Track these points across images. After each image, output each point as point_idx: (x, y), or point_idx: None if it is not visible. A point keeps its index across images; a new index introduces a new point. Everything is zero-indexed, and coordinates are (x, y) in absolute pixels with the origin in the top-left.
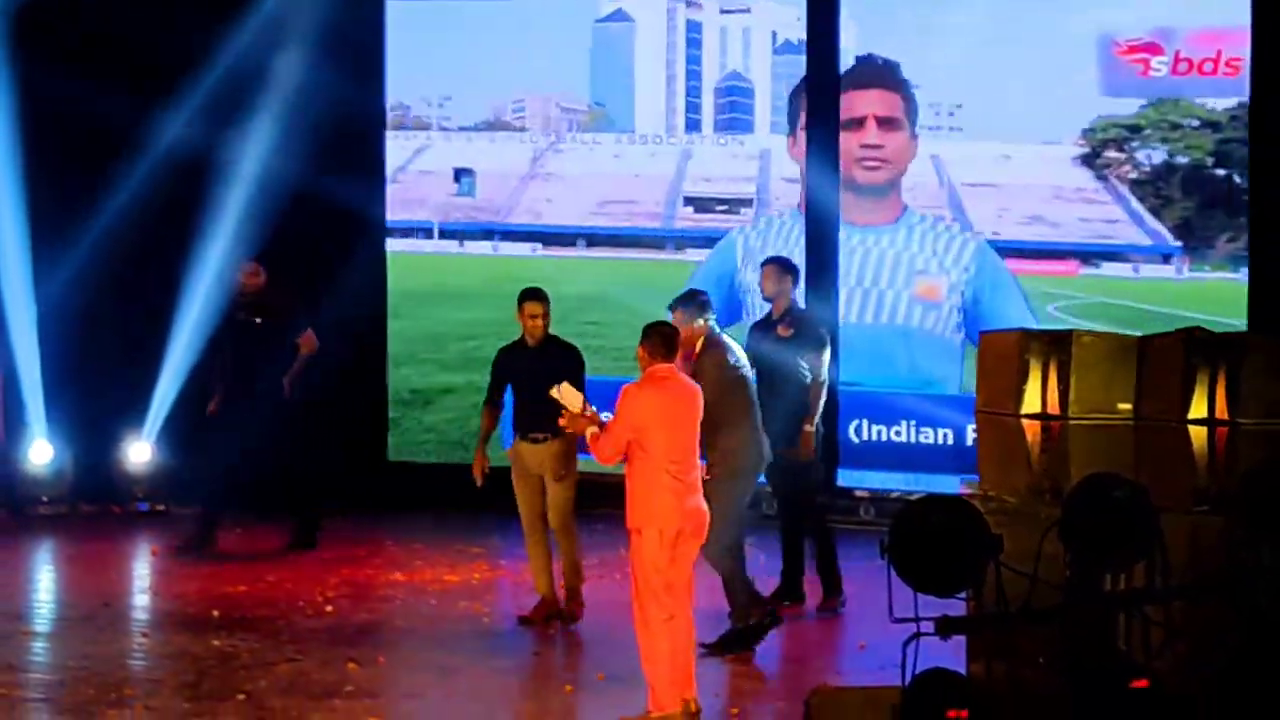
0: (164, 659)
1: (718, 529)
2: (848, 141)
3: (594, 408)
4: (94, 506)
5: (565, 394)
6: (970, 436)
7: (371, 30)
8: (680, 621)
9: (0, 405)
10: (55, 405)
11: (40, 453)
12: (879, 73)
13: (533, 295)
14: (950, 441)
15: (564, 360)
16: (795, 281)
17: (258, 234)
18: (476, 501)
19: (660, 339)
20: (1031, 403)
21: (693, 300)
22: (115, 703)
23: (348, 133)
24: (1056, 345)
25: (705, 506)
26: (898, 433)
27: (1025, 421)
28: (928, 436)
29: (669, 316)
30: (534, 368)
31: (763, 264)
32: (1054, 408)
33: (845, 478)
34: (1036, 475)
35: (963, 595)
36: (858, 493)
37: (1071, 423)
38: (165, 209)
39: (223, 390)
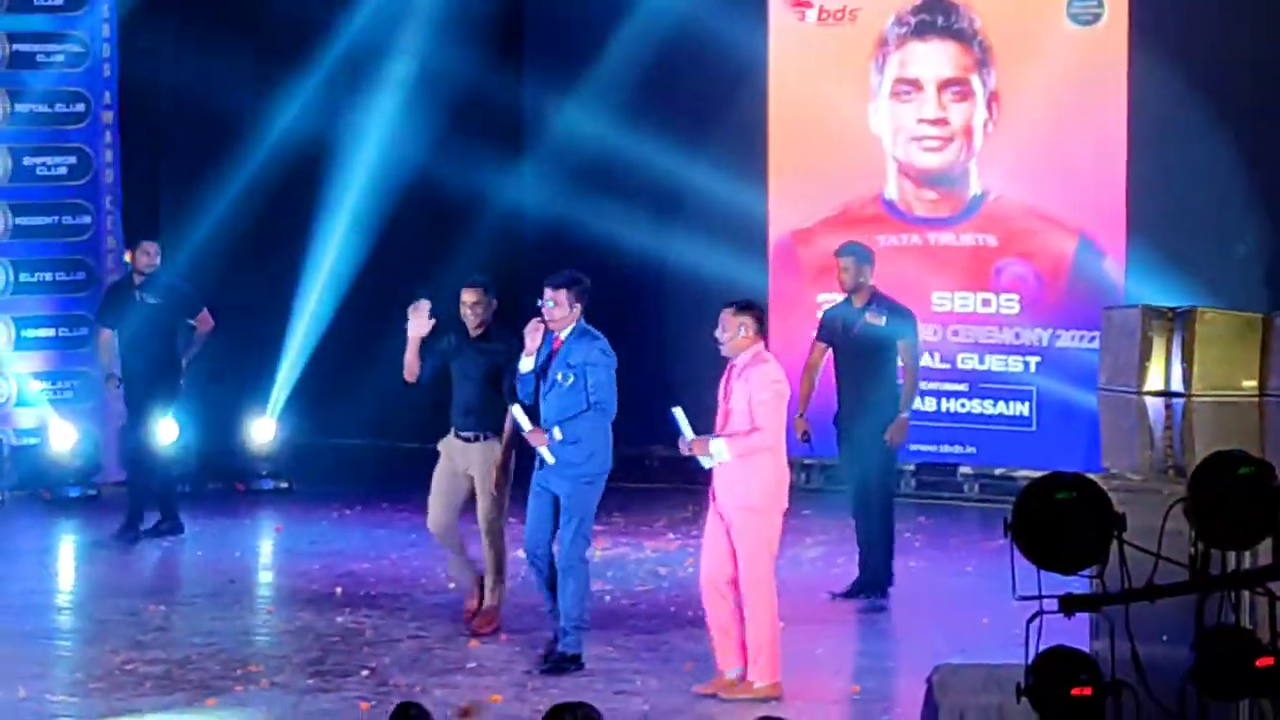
0: (288, 635)
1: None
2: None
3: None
4: (218, 484)
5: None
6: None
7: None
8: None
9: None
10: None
11: (166, 431)
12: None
13: (467, 284)
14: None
15: (497, 356)
16: (873, 268)
17: (379, 212)
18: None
19: (764, 315)
20: (1154, 379)
21: (579, 283)
22: (240, 679)
23: (479, 107)
24: (1179, 322)
25: None
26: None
27: (1148, 399)
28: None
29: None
30: (463, 358)
31: (838, 253)
32: (1177, 385)
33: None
34: (1159, 453)
35: (1086, 573)
36: (961, 469)
37: (1195, 400)
38: (288, 188)
39: (119, 371)
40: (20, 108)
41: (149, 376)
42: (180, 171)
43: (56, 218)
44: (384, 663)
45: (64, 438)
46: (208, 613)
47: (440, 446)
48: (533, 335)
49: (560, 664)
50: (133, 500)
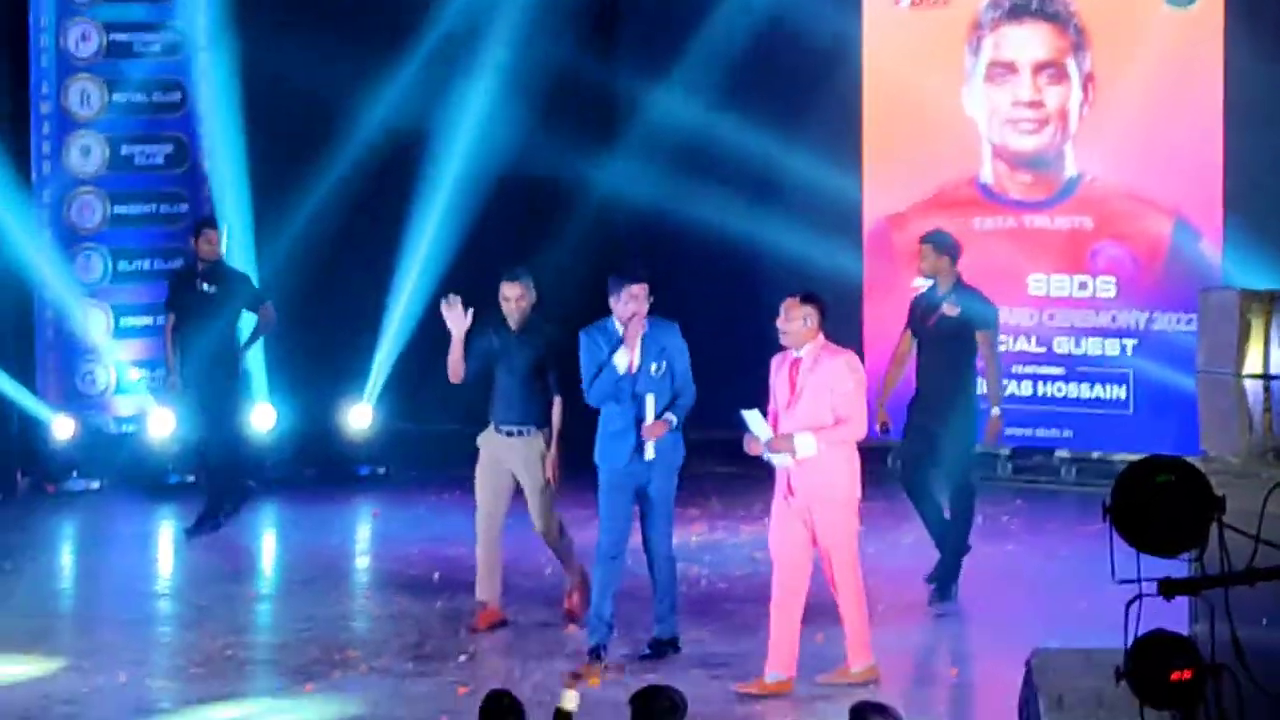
0: (386, 620)
1: None
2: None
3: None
4: (316, 470)
5: (758, 424)
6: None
7: None
8: None
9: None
10: (278, 371)
11: (263, 418)
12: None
13: (505, 277)
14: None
15: (542, 349)
16: (955, 257)
17: (474, 199)
18: (690, 464)
19: (826, 309)
20: (1253, 362)
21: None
22: (339, 663)
23: (572, 94)
24: (1278, 304)
25: None
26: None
27: (1246, 381)
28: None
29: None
30: (508, 353)
31: (921, 240)
32: (1276, 368)
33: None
34: (1259, 436)
35: (1185, 557)
36: (1058, 453)
37: None
38: (383, 175)
39: (179, 361)
40: (118, 97)
41: (207, 366)
42: (276, 159)
43: (154, 206)
44: (481, 647)
45: (162, 425)
46: (306, 598)
47: (480, 442)
48: (635, 332)
49: (662, 648)
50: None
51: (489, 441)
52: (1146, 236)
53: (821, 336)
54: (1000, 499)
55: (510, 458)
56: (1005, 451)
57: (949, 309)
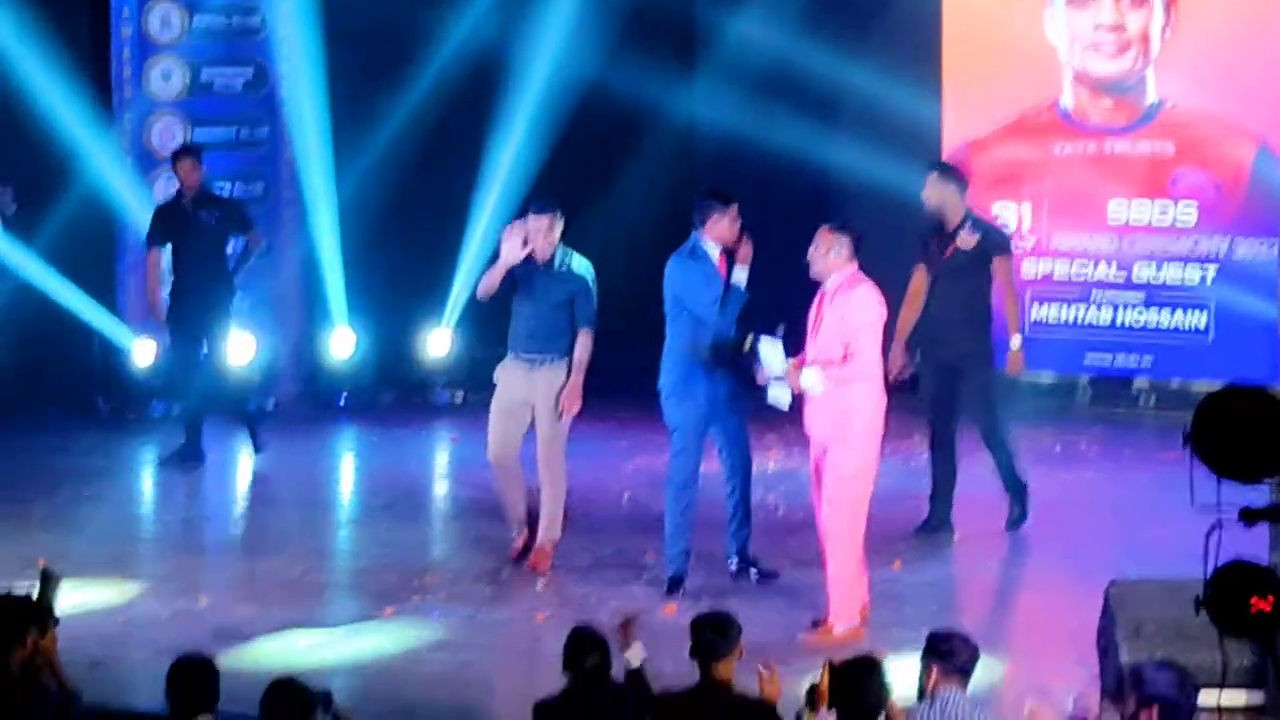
0: (464, 547)
1: None
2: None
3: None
4: (394, 395)
5: (775, 353)
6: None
7: None
8: None
9: (303, 296)
10: (357, 295)
11: (342, 343)
12: None
13: (534, 209)
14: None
15: (572, 284)
16: (963, 187)
17: (552, 126)
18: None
19: (861, 239)
20: None
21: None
22: (418, 589)
23: (652, 20)
24: None
25: None
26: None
27: None
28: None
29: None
30: (536, 285)
31: (928, 169)
32: None
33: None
34: None
35: (1265, 484)
36: (1137, 382)
37: None
38: (459, 102)
39: (173, 287)
40: (198, 21)
41: (204, 294)
42: (354, 83)
43: (234, 130)
44: (559, 574)
45: (242, 350)
46: (385, 523)
47: (498, 374)
48: (749, 251)
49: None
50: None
51: (507, 372)
52: (1228, 162)
53: (853, 266)
54: (1079, 427)
55: (529, 388)
56: (1084, 380)
57: (966, 239)
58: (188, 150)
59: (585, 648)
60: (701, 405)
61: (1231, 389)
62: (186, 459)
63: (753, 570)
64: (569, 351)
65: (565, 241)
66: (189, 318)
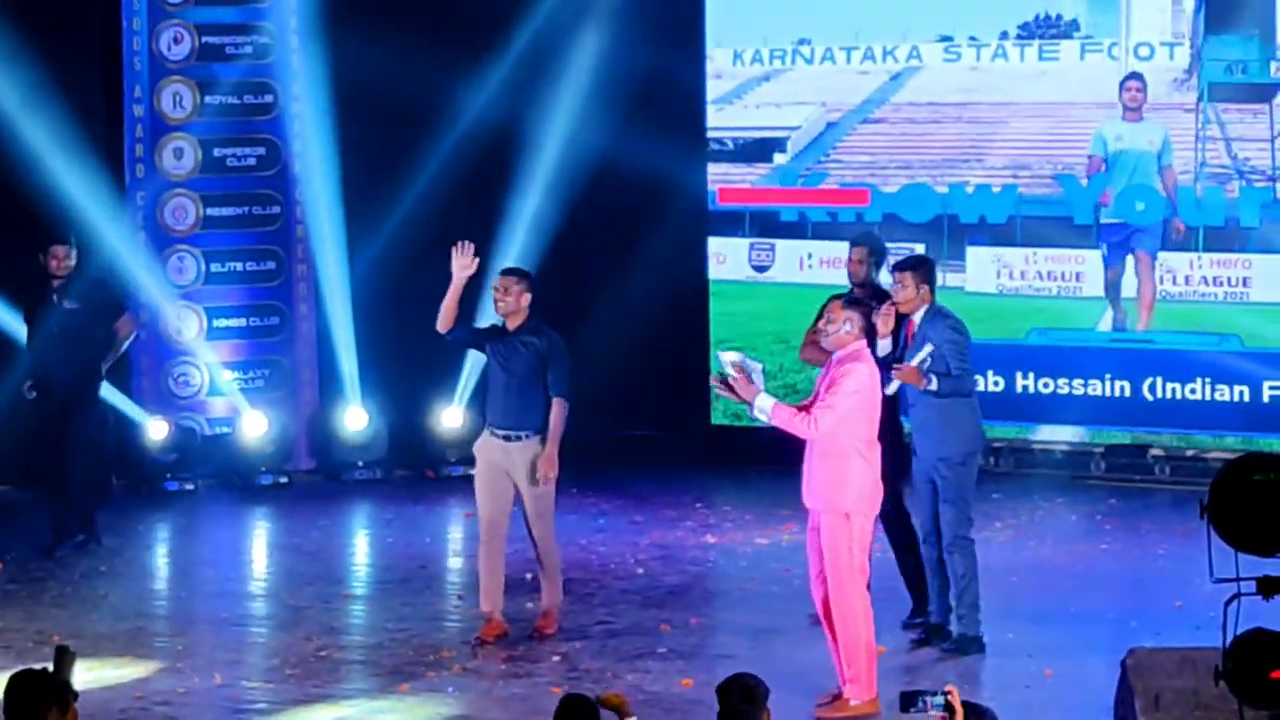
0: (479, 621)
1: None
2: None
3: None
4: (408, 471)
5: (746, 365)
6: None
7: None
8: (869, 608)
9: (316, 373)
10: (370, 372)
11: (356, 419)
12: None
13: (503, 271)
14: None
15: (540, 351)
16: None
17: (564, 204)
18: (785, 464)
19: (869, 313)
20: None
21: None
22: (433, 664)
23: (662, 98)
24: None
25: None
26: (1192, 390)
27: None
28: (1222, 394)
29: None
30: (505, 354)
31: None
32: None
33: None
34: None
35: None
36: (1153, 451)
37: None
38: (472, 178)
39: (35, 378)
40: (210, 99)
41: (66, 384)
42: (367, 160)
43: (246, 208)
44: (574, 648)
45: (255, 426)
46: (400, 599)
47: (476, 449)
48: (885, 320)
49: (959, 641)
50: (52, 514)
51: (485, 447)
52: None
53: (860, 344)
54: (1095, 497)
55: (507, 462)
56: (1100, 449)
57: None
58: (56, 239)
59: (574, 713)
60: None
61: (1249, 457)
62: (83, 544)
63: None
64: (543, 426)
65: (582, 315)
66: (47, 407)
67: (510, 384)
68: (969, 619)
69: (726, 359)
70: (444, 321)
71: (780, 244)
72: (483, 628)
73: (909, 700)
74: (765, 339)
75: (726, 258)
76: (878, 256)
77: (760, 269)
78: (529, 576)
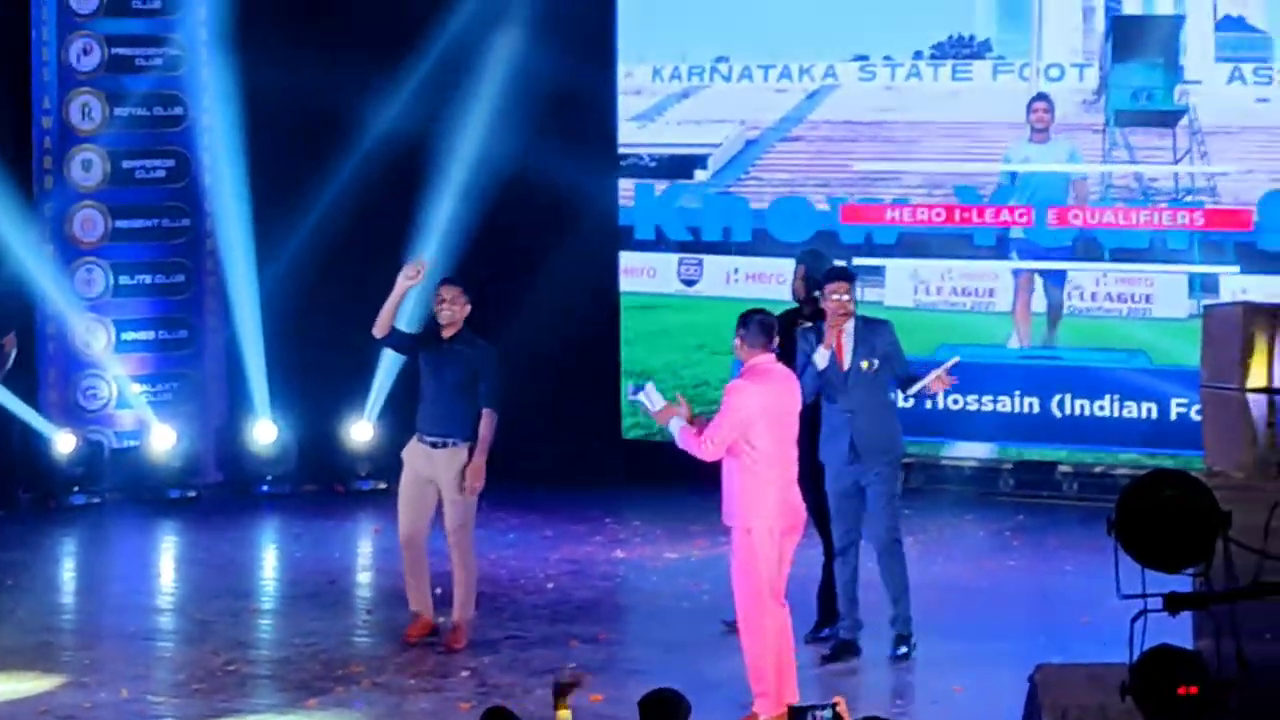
0: (388, 636)
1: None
2: None
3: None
4: (316, 485)
5: (650, 396)
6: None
7: None
8: (784, 623)
9: (225, 386)
10: (278, 385)
11: (265, 432)
12: None
13: (446, 280)
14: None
15: (475, 361)
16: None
17: (474, 213)
18: (699, 478)
19: (759, 327)
20: (1257, 377)
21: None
22: (341, 679)
23: (574, 111)
24: None
25: (801, 501)
26: (1100, 407)
27: (1250, 396)
28: (1130, 410)
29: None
30: (440, 362)
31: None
32: None
33: (1046, 452)
34: (1263, 451)
35: (1190, 572)
36: (1062, 468)
37: None
38: (383, 189)
39: None
40: (119, 111)
41: None
42: (276, 172)
43: (156, 221)
44: (484, 663)
45: (164, 440)
46: (308, 614)
47: (405, 455)
48: (834, 333)
49: (901, 642)
50: None
51: (413, 454)
52: None
53: (756, 358)
54: (1003, 515)
55: (433, 469)
56: (1009, 465)
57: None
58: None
59: None
60: (839, 472)
61: (1156, 474)
62: None
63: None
64: (471, 435)
65: (492, 328)
66: None
67: (441, 392)
68: (908, 619)
69: (641, 397)
70: (380, 327)
71: (708, 259)
72: (409, 627)
73: (797, 715)
74: (692, 350)
75: (656, 271)
76: (818, 274)
77: (689, 283)
78: (438, 591)
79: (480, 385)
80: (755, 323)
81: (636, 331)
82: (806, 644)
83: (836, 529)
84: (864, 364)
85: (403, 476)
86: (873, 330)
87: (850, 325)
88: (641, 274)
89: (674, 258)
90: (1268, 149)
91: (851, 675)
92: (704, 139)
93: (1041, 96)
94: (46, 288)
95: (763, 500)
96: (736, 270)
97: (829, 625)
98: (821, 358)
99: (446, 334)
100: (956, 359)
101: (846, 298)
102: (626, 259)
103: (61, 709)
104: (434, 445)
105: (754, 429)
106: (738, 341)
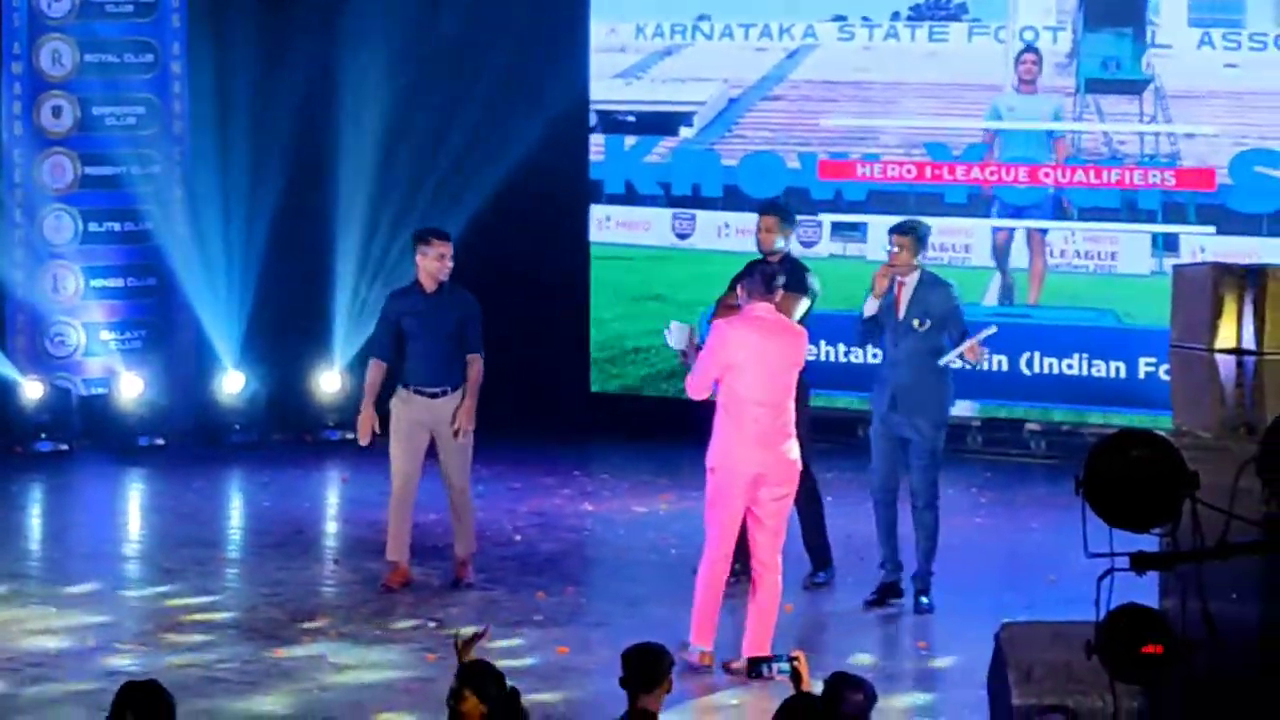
0: (355, 586)
1: None
2: None
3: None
4: (285, 435)
5: (674, 335)
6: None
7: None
8: (773, 585)
9: (194, 335)
10: (247, 336)
11: (233, 382)
12: None
13: (440, 235)
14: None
15: (462, 309)
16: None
17: (444, 165)
18: (668, 433)
19: (761, 277)
20: (1225, 337)
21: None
22: (307, 630)
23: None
24: (1250, 279)
25: (795, 456)
26: (1069, 365)
27: (1219, 356)
28: (1099, 369)
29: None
30: (430, 315)
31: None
32: (1248, 343)
33: (1015, 410)
34: (1230, 411)
35: (1157, 531)
36: (1029, 425)
37: (1266, 358)
38: (352, 141)
39: None
40: (89, 58)
41: None
42: (246, 122)
43: (125, 167)
44: (451, 614)
45: (132, 388)
46: (275, 563)
47: (395, 404)
48: (880, 280)
49: (916, 594)
50: None
51: (408, 404)
52: None
53: (755, 306)
54: (972, 473)
55: (431, 419)
56: (976, 422)
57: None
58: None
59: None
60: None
61: (1124, 434)
62: None
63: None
64: (463, 381)
65: (461, 280)
66: None
67: (434, 344)
68: (928, 575)
69: (667, 336)
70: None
71: (700, 214)
72: (389, 575)
73: (755, 665)
74: (684, 302)
75: (651, 225)
76: (787, 225)
77: (682, 236)
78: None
79: (466, 332)
80: (758, 272)
81: (604, 284)
82: (804, 590)
83: (876, 475)
84: (915, 322)
85: (396, 426)
86: (932, 289)
87: (913, 279)
88: (612, 227)
89: (648, 211)
90: (1235, 113)
91: (818, 629)
92: (688, 96)
93: (1031, 48)
94: (15, 235)
95: (727, 443)
96: (728, 225)
97: (823, 570)
98: (870, 306)
99: (430, 287)
100: (994, 328)
101: (896, 250)
102: (597, 213)
103: (27, 657)
104: (433, 396)
105: (735, 372)
106: (741, 291)
